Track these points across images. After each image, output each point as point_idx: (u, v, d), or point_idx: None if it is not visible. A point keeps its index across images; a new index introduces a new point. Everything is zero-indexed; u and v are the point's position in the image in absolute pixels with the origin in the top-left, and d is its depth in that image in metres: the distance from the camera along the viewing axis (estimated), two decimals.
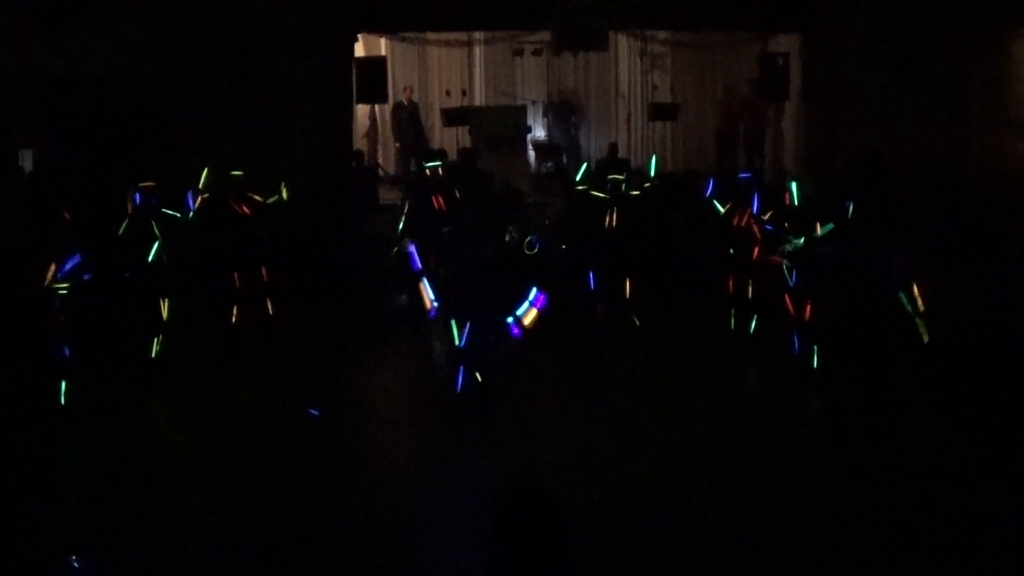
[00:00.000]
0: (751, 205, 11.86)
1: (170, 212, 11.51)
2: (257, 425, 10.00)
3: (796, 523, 7.66)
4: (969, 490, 8.18)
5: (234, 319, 12.58)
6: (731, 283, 12.24)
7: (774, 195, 12.23)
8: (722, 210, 12.31)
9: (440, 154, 15.41)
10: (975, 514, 7.74)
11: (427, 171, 13.55)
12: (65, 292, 9.79)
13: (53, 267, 9.76)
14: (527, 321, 9.37)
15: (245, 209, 12.59)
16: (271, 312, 12.91)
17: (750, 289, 11.98)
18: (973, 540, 7.31)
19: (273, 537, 7.47)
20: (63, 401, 9.89)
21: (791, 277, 10.81)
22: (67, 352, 9.91)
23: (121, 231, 11.18)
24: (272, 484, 8.42)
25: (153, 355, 11.35)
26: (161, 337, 11.38)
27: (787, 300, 10.97)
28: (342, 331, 13.51)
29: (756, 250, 11.77)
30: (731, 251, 12.11)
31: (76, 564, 5.76)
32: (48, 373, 9.98)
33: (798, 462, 8.94)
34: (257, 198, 12.74)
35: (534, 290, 9.36)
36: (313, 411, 9.64)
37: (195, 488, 8.69)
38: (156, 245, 11.20)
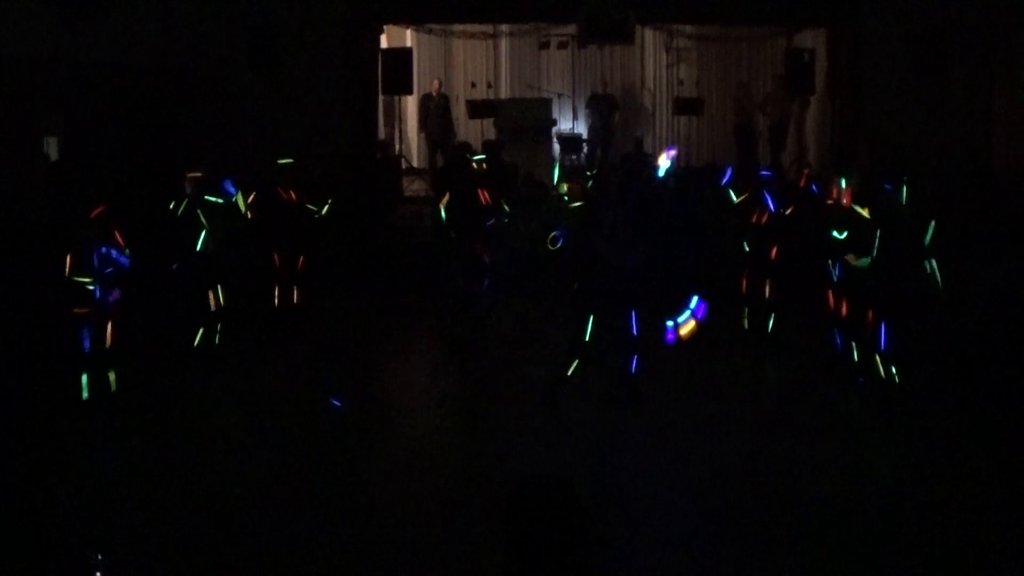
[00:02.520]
0: (768, 204, 11.76)
1: (212, 199, 11.56)
2: (281, 413, 10.05)
3: (819, 520, 7.63)
4: (993, 487, 8.15)
5: (276, 302, 12.74)
6: (745, 280, 12.13)
7: (795, 190, 12.17)
8: (736, 199, 12.21)
9: (487, 147, 15.46)
10: (997, 513, 7.72)
11: (473, 164, 13.57)
12: (90, 285, 9.80)
13: (70, 258, 9.76)
14: (684, 332, 9.38)
15: (292, 195, 12.71)
16: (297, 299, 13.02)
17: (767, 287, 11.88)
18: (996, 541, 7.29)
19: (288, 528, 7.51)
20: (85, 395, 9.92)
21: (835, 272, 10.71)
22: (87, 346, 9.93)
23: (180, 214, 11.24)
24: (290, 475, 8.47)
25: (196, 344, 11.41)
26: (207, 327, 11.45)
27: (829, 296, 10.89)
28: (373, 320, 13.54)
29: (775, 249, 11.69)
30: (746, 247, 11.99)
31: (98, 560, 5.80)
32: (73, 365, 10.03)
33: (818, 460, 8.90)
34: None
35: (695, 299, 9.37)
36: (335, 401, 9.68)
37: (214, 477, 8.71)
38: (203, 234, 11.25)
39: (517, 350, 12.06)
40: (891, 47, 17.58)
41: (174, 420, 10.02)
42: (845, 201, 10.82)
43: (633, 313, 9.87)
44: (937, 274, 9.75)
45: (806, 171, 11.93)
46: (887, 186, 10.11)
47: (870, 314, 9.94)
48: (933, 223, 9.65)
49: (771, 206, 11.65)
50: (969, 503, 7.82)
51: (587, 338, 9.81)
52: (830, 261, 10.73)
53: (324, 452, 8.96)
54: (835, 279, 10.69)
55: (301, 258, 13.06)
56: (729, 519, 7.63)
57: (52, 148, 14.37)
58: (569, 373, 9.90)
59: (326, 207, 13.07)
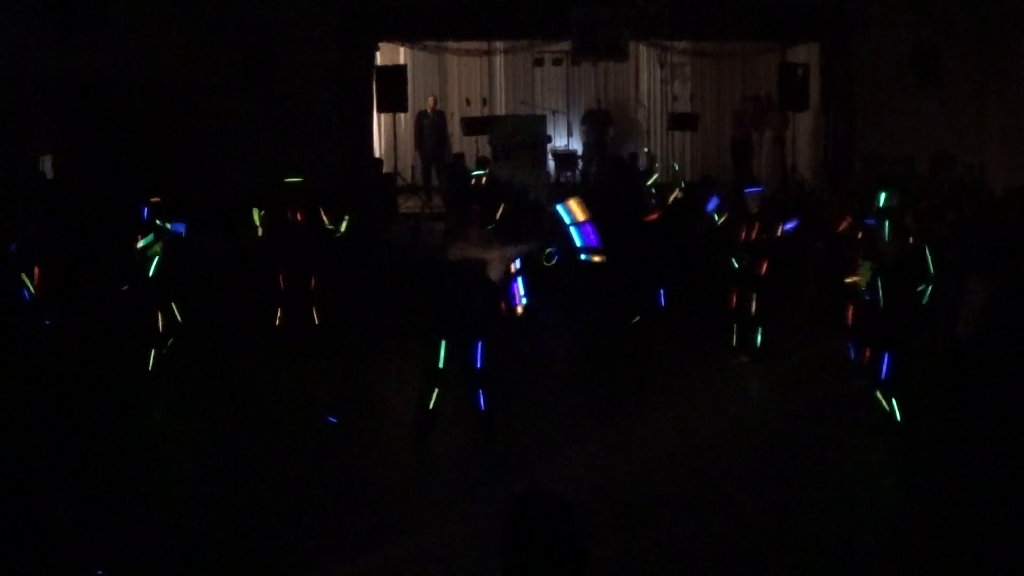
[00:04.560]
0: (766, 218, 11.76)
1: (165, 228, 11.49)
2: (278, 431, 10.03)
3: (816, 533, 7.64)
4: (991, 497, 8.15)
5: (278, 322, 12.65)
6: (734, 297, 12.09)
7: (790, 204, 12.16)
8: (719, 220, 12.19)
9: (483, 162, 15.48)
10: (991, 520, 7.73)
11: (472, 180, 13.56)
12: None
13: None
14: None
15: (300, 216, 12.63)
16: (317, 320, 12.93)
17: (754, 304, 11.87)
18: (989, 546, 7.31)
19: (280, 541, 7.51)
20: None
21: (866, 292, 10.60)
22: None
23: (140, 245, 11.20)
24: (282, 491, 8.43)
25: (150, 367, 11.30)
26: (156, 349, 11.33)
27: (849, 311, 10.85)
28: (374, 335, 13.52)
29: (764, 264, 11.69)
30: (735, 264, 11.94)
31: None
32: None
33: (813, 474, 8.90)
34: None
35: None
36: (331, 418, 9.67)
37: (203, 492, 8.68)
38: (156, 260, 11.21)
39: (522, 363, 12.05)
40: (885, 61, 17.66)
41: (142, 438, 9.96)
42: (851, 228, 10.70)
43: (479, 343, 9.25)
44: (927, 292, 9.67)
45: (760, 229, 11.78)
46: (868, 221, 10.03)
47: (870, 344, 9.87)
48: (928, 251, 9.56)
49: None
50: (967, 514, 7.82)
51: (441, 365, 9.25)
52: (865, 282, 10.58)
53: (323, 467, 8.94)
54: (867, 297, 10.55)
55: (313, 279, 12.95)
56: (725, 533, 7.61)
57: (48, 166, 14.36)
58: (432, 406, 9.35)
59: (344, 224, 12.95)
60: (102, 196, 13.36)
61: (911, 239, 10.09)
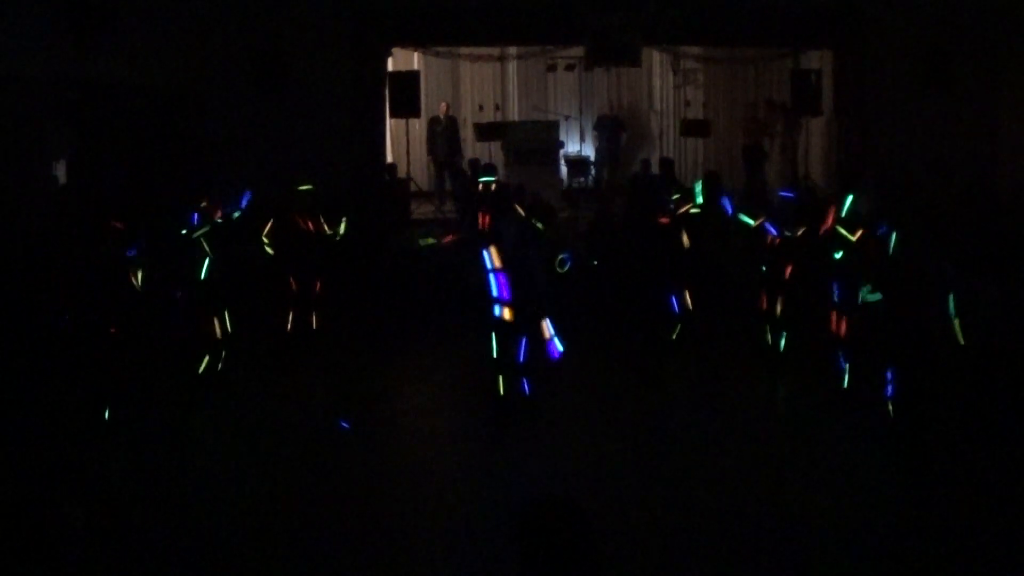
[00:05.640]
0: (771, 231, 11.77)
1: (218, 220, 11.58)
2: (291, 436, 10.05)
3: (828, 540, 7.64)
4: (990, 498, 8.16)
5: (289, 327, 12.69)
6: (764, 299, 12.11)
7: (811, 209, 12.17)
8: (752, 223, 12.20)
9: (490, 168, 15.46)
10: (995, 522, 7.72)
11: (480, 185, 13.48)
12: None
13: None
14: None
15: (309, 224, 12.66)
16: (315, 324, 12.96)
17: (779, 306, 11.87)
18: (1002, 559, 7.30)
19: (282, 543, 7.55)
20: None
21: (835, 294, 10.69)
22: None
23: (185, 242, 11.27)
24: (299, 497, 8.46)
25: (200, 371, 11.36)
26: (211, 354, 11.41)
27: (832, 317, 10.89)
28: (384, 341, 13.54)
29: (789, 268, 11.69)
30: (763, 268, 11.97)
31: None
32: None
33: (826, 476, 8.91)
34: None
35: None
36: (344, 423, 9.69)
37: (223, 501, 8.70)
38: (207, 262, 11.25)
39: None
40: (897, 66, 17.64)
41: (178, 447, 9.99)
42: (829, 221, 10.79)
43: (523, 340, 9.90)
44: (959, 333, 9.67)
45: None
46: (882, 228, 10.07)
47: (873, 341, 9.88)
48: (952, 294, 9.59)
49: (774, 232, 11.68)
50: (971, 516, 7.83)
51: (495, 354, 9.93)
52: (834, 283, 10.70)
53: (333, 474, 8.96)
54: (835, 300, 10.68)
55: (318, 283, 13.01)
56: (735, 537, 7.62)
57: (61, 171, 14.42)
58: (503, 392, 9.96)
59: (342, 226, 13.00)
60: (114, 201, 13.39)
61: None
